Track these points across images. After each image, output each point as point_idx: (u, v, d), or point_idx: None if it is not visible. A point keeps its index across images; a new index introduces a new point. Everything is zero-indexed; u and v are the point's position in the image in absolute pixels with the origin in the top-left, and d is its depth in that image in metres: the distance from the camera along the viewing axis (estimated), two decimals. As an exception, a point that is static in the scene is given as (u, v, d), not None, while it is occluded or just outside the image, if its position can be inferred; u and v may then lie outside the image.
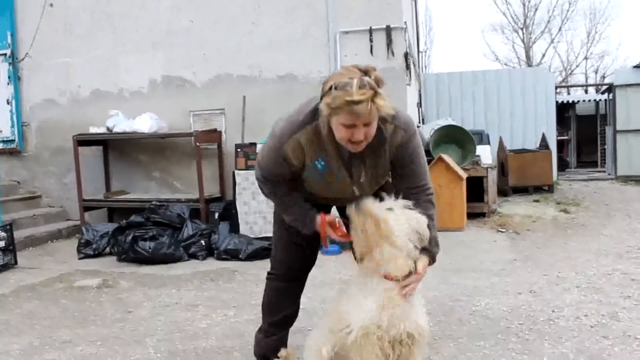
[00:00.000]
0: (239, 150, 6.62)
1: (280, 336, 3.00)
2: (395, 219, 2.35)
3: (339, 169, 2.52)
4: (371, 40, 6.75)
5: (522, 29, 28.57)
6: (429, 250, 2.49)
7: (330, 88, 2.21)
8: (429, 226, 2.46)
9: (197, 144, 6.85)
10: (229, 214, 6.60)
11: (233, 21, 7.30)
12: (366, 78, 2.19)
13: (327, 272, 5.14)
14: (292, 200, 2.66)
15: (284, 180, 2.63)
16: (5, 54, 8.21)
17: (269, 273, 2.98)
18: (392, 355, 2.37)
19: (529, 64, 27.31)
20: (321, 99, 2.28)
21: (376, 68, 2.28)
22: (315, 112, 2.43)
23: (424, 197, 2.58)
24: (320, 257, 3.11)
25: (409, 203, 2.44)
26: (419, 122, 10.49)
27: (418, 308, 2.42)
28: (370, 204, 2.38)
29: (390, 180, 2.74)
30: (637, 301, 4.07)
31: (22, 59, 8.17)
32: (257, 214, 6.37)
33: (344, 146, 2.40)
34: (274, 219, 2.92)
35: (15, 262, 5.93)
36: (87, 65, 7.92)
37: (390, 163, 2.55)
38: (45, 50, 8.07)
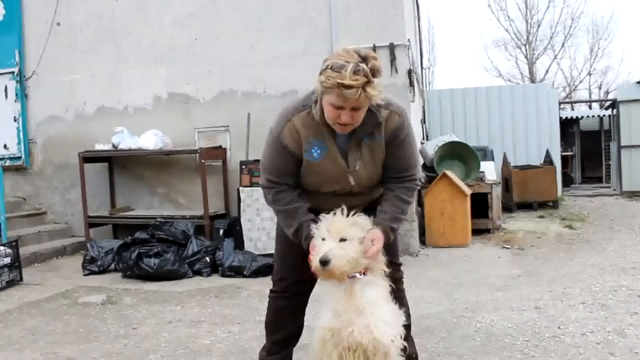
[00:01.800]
0: (243, 167, 6.65)
1: (284, 355, 2.98)
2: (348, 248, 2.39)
3: (335, 155, 2.55)
4: (374, 58, 6.78)
5: (525, 45, 28.68)
6: (380, 223, 2.53)
7: (327, 67, 2.31)
8: (393, 205, 2.59)
9: (202, 160, 6.88)
10: (234, 230, 6.60)
11: (235, 36, 7.37)
12: (362, 65, 2.28)
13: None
14: (295, 210, 2.61)
15: (292, 184, 2.63)
16: (13, 72, 8.30)
17: (271, 291, 2.96)
18: None
19: (532, 80, 27.37)
20: (320, 75, 2.37)
21: (377, 57, 2.36)
22: (307, 99, 2.53)
23: (407, 183, 2.64)
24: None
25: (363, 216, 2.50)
26: (423, 139, 10.51)
27: (377, 317, 2.38)
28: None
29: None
30: (643, 317, 4.05)
31: (30, 77, 8.25)
32: (261, 230, 6.38)
33: (336, 130, 2.48)
34: (276, 235, 2.91)
35: (21, 279, 5.94)
36: (90, 80, 7.97)
37: (385, 149, 2.60)
38: (51, 66, 8.14)
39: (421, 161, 2.75)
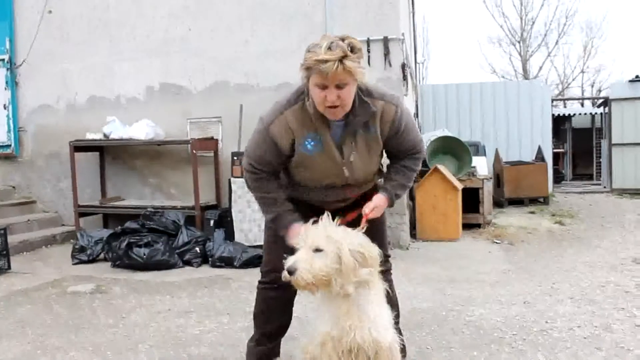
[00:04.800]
0: (235, 158, 6.63)
1: (272, 345, 2.98)
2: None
3: (330, 147, 2.55)
4: (369, 51, 6.77)
5: (519, 42, 28.74)
6: (386, 189, 2.67)
7: (306, 51, 2.39)
8: (401, 173, 2.71)
9: (194, 151, 6.85)
10: (224, 221, 6.59)
11: (229, 30, 7.33)
12: (338, 42, 2.32)
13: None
14: (274, 199, 2.65)
15: (272, 173, 2.65)
16: (3, 60, 8.22)
17: (260, 282, 2.95)
18: None
19: (526, 77, 27.44)
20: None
21: (356, 39, 2.40)
22: (301, 93, 2.54)
23: (416, 155, 2.75)
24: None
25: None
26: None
27: (376, 320, 2.39)
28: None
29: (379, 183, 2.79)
30: (631, 313, 4.08)
31: (20, 65, 8.18)
32: (252, 222, 6.37)
33: (330, 120, 2.50)
34: (265, 226, 2.91)
35: (9, 267, 5.90)
36: (83, 72, 7.93)
37: (385, 141, 2.64)
38: (43, 56, 8.07)
39: (424, 144, 2.83)
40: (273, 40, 7.16)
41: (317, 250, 2.31)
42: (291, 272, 2.29)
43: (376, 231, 2.68)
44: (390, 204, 2.69)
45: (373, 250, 2.37)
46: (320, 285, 2.31)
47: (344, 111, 2.46)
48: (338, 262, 2.29)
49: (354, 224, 2.51)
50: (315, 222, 2.40)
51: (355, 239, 2.36)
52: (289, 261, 2.32)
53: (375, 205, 2.62)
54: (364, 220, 2.57)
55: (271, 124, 2.54)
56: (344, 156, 2.58)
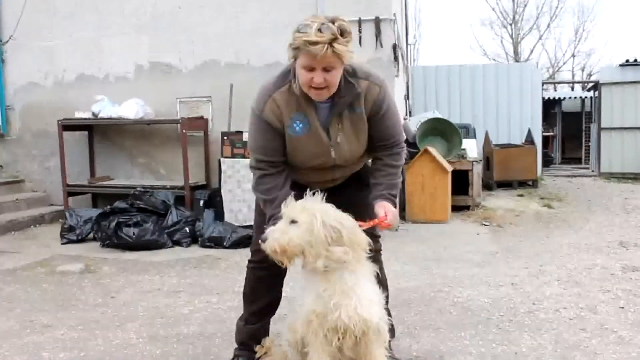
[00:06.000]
0: (225, 137, 6.60)
1: (261, 324, 2.99)
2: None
3: (316, 129, 2.55)
4: (360, 31, 6.73)
5: (510, 24, 28.68)
6: (375, 197, 2.61)
7: (295, 31, 2.34)
8: (386, 173, 2.66)
9: (183, 130, 6.81)
10: (214, 201, 6.58)
11: (219, 5, 7.24)
12: (328, 24, 2.29)
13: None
14: (271, 201, 2.58)
15: (279, 165, 2.60)
16: (-11, 36, 8.10)
17: (249, 261, 2.96)
18: (336, 343, 2.38)
19: (517, 59, 27.42)
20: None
21: (345, 20, 2.36)
22: (286, 75, 2.52)
23: (394, 149, 2.71)
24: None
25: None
26: (406, 115, 10.51)
27: (363, 298, 2.37)
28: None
29: (368, 163, 2.79)
30: (615, 295, 4.14)
31: (7, 42, 8.04)
32: (241, 202, 6.37)
33: (316, 102, 2.48)
34: (255, 205, 2.90)
35: (-3, 246, 5.88)
36: (70, 48, 7.81)
37: (367, 123, 2.61)
38: (30, 32, 7.94)
39: (404, 137, 2.79)
40: (263, 17, 7.10)
41: (293, 221, 2.34)
42: (263, 241, 2.39)
43: (367, 212, 2.68)
44: (393, 204, 2.62)
45: (359, 234, 2.36)
46: (292, 255, 2.35)
47: (330, 93, 2.45)
48: (311, 234, 2.29)
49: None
50: (299, 196, 2.41)
51: (333, 213, 2.34)
52: (266, 231, 2.40)
53: (385, 210, 2.58)
54: (369, 223, 2.52)
55: (263, 109, 2.52)
56: (331, 137, 2.58)
